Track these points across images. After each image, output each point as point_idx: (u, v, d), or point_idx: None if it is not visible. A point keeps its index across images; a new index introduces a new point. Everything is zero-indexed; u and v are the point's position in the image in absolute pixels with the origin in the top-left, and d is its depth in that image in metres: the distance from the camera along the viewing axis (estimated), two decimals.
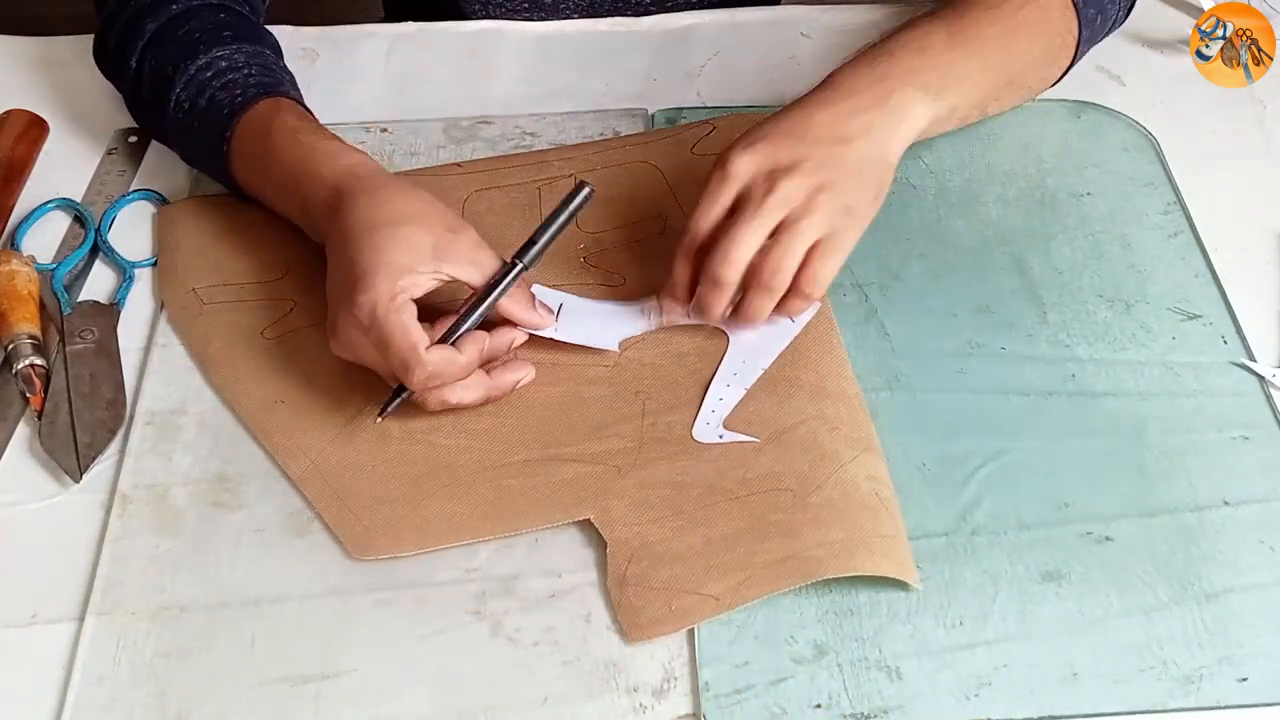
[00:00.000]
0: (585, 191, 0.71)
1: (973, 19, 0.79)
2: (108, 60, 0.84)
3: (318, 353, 0.72)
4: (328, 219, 0.71)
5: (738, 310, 0.71)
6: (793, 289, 0.70)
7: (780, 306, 0.71)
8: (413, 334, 0.65)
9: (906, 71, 0.75)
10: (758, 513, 0.64)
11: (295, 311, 0.75)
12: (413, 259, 0.67)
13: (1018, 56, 0.80)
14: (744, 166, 0.70)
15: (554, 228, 0.71)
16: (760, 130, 0.72)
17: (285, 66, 0.82)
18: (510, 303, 0.70)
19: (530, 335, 0.72)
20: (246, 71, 0.78)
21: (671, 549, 0.63)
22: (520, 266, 0.69)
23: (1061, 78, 0.86)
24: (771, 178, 0.69)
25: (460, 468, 0.67)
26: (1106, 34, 0.89)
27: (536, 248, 0.70)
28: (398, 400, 0.67)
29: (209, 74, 0.77)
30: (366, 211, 0.69)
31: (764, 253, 0.69)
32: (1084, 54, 0.86)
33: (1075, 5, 0.82)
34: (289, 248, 0.78)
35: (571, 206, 0.71)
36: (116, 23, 0.81)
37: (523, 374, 0.70)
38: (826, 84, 0.75)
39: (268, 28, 0.84)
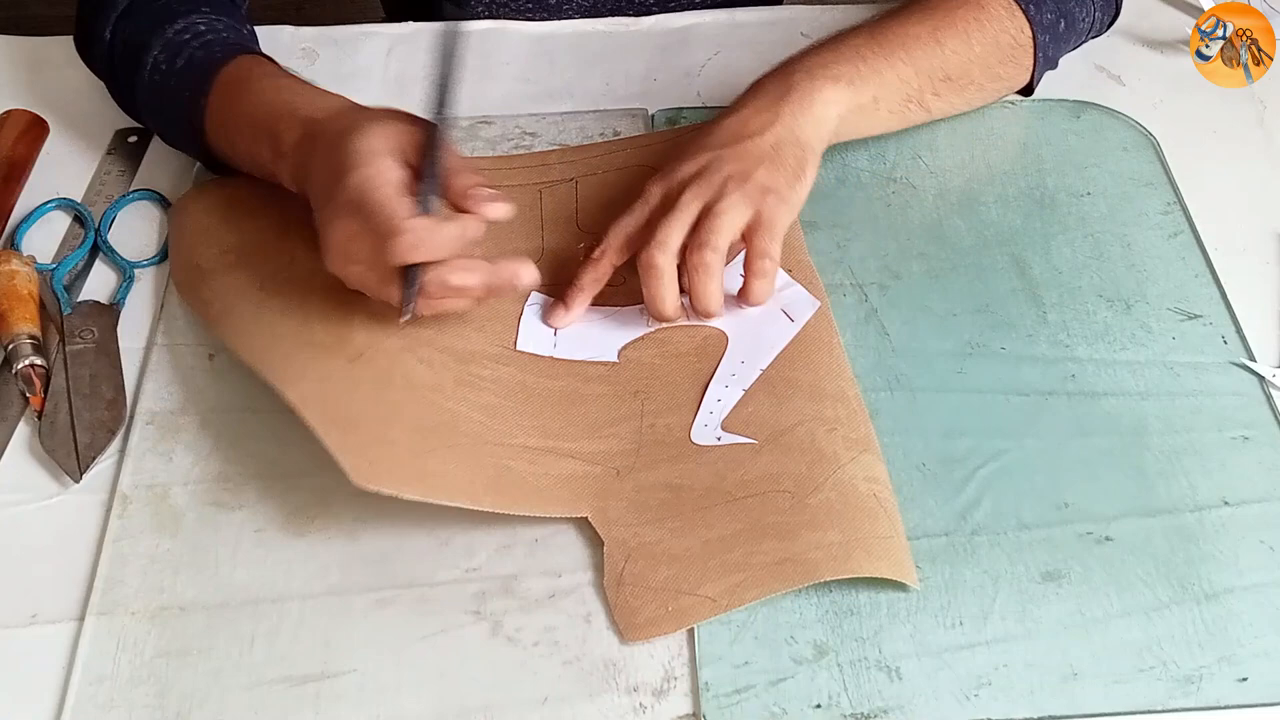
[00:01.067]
0: (445, 30, 0.68)
1: (899, 20, 0.81)
2: (84, 41, 0.84)
3: (319, 300, 0.71)
4: (304, 148, 0.70)
5: (693, 303, 0.72)
6: (747, 270, 0.72)
7: (743, 294, 0.73)
8: (396, 202, 0.65)
9: (815, 65, 0.78)
10: (755, 514, 0.64)
11: (296, 262, 0.74)
12: (393, 145, 0.67)
13: (952, 54, 0.81)
14: (656, 187, 0.74)
15: (446, 82, 0.68)
16: (673, 151, 0.77)
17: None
18: (460, 179, 0.68)
19: (529, 349, 0.72)
20: (225, 36, 0.78)
21: (669, 550, 0.63)
22: (440, 124, 0.68)
23: (1034, 78, 0.86)
24: (681, 185, 0.73)
25: (462, 434, 0.67)
26: (1088, 36, 0.89)
27: (445, 106, 0.68)
28: (412, 290, 0.66)
29: (187, 36, 0.77)
30: (341, 122, 0.69)
31: (692, 234, 0.71)
32: (1057, 55, 0.86)
33: (1021, 8, 0.82)
34: (289, 220, 0.76)
35: (449, 57, 0.68)
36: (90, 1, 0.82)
37: (524, 270, 0.68)
38: (742, 94, 0.79)
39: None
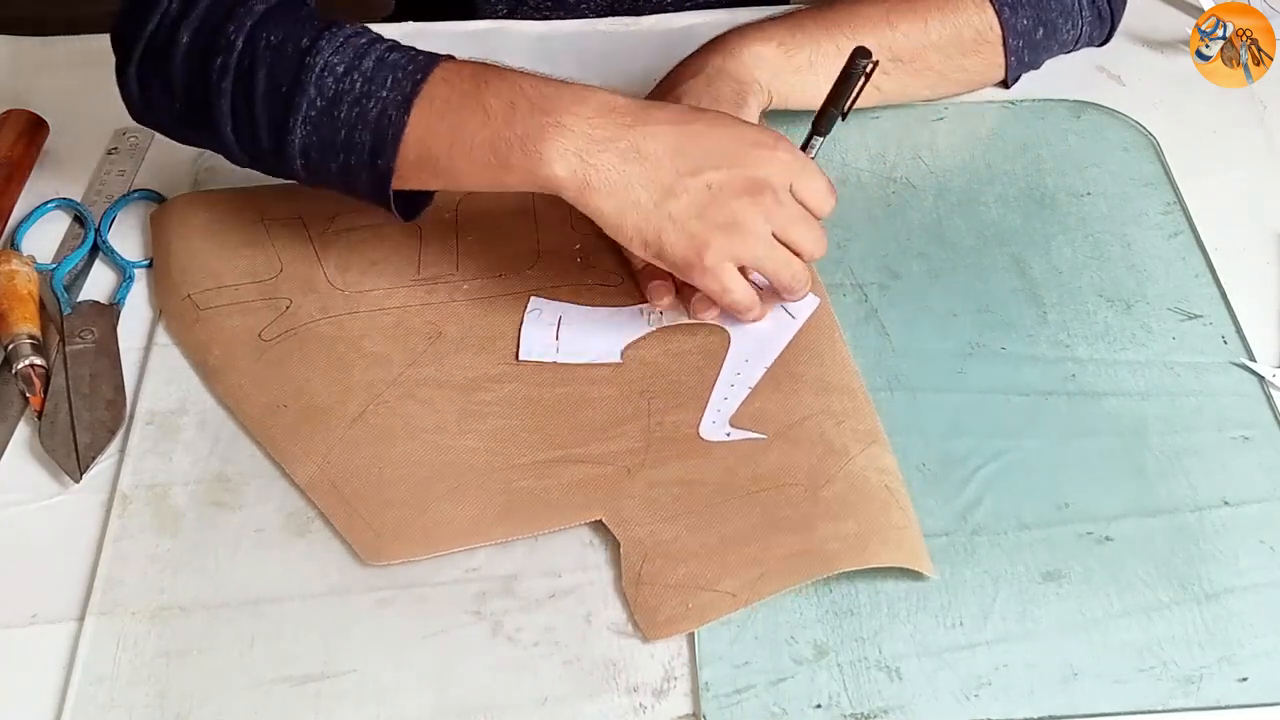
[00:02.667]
0: (863, 63, 0.70)
1: (854, 1, 0.83)
2: (183, 38, 0.69)
3: (318, 352, 0.72)
4: (632, 123, 0.65)
5: None
6: None
7: None
8: None
9: (750, 27, 0.81)
10: (770, 509, 0.65)
11: (292, 309, 0.75)
12: None
13: (904, 37, 0.82)
14: None
15: (842, 101, 0.72)
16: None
17: None
18: None
19: (532, 357, 0.72)
20: (409, 46, 0.69)
21: (685, 547, 0.63)
22: (864, 65, 0.70)
23: (1008, 76, 0.86)
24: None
25: (468, 469, 0.67)
26: (1075, 46, 0.89)
27: (828, 120, 0.72)
28: None
29: (364, 40, 0.68)
30: (677, 106, 0.69)
31: None
32: (1035, 60, 0.87)
33: (994, 8, 0.83)
34: (281, 246, 0.78)
35: (853, 79, 0.71)
36: (199, 8, 0.69)
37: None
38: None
39: None
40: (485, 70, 0.67)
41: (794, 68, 0.80)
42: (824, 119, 0.72)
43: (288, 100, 0.67)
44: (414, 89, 0.66)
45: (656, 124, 0.66)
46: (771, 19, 0.82)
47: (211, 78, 0.68)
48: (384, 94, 0.66)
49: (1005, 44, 0.84)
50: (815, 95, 0.79)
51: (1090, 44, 0.90)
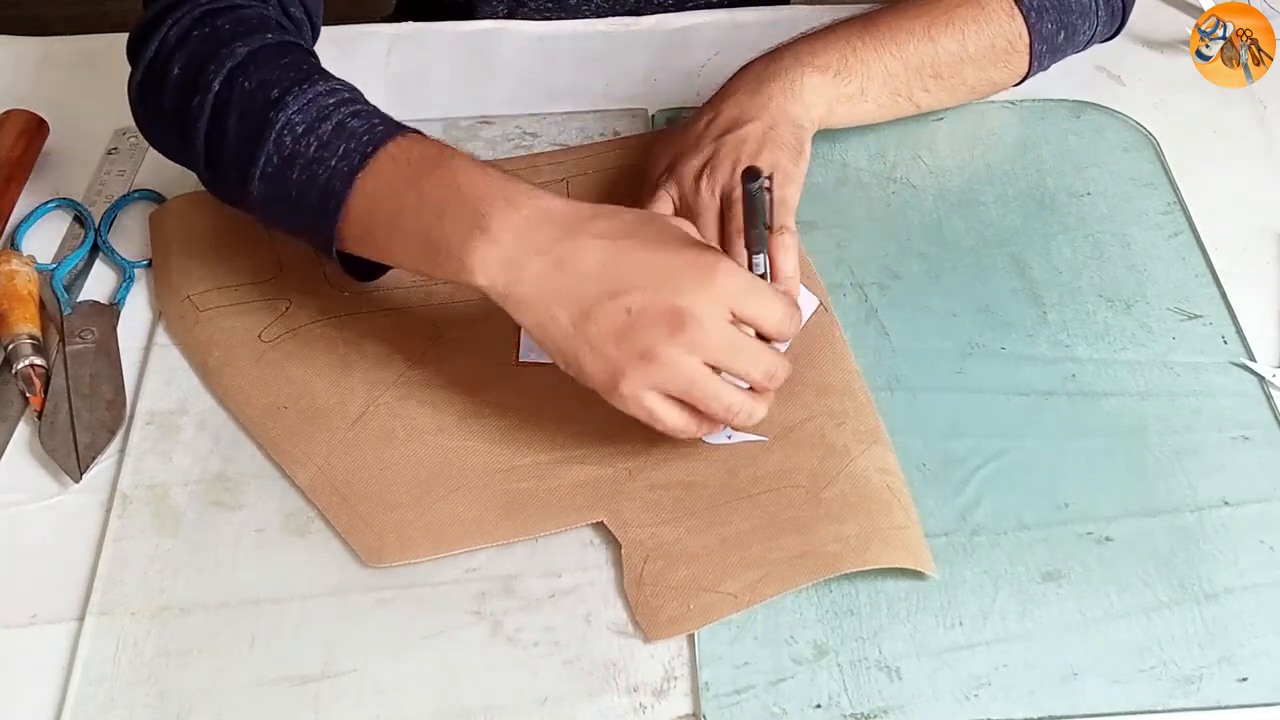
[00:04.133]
0: (753, 186, 0.63)
1: (895, 14, 0.82)
2: (174, 69, 0.71)
3: (318, 353, 0.72)
4: (562, 236, 0.62)
5: None
6: (770, 247, 0.68)
7: (774, 271, 0.69)
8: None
9: (804, 52, 0.80)
10: (771, 510, 0.65)
11: (292, 310, 0.75)
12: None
13: (944, 52, 0.82)
14: (669, 186, 0.75)
15: (759, 219, 0.65)
16: (670, 145, 0.79)
17: None
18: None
19: (530, 358, 0.72)
20: (376, 111, 0.68)
21: (687, 548, 0.64)
22: (762, 182, 0.63)
23: (1024, 80, 0.86)
24: (694, 179, 0.74)
25: (469, 470, 0.67)
26: (1086, 46, 0.89)
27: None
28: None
29: (331, 101, 0.67)
30: (622, 217, 0.63)
31: (726, 224, 0.73)
32: (1051, 63, 0.87)
33: (1023, 14, 0.83)
34: (281, 246, 0.78)
35: (756, 199, 0.64)
36: (191, 42, 0.71)
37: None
38: (731, 80, 0.80)
39: None
40: (432, 154, 0.65)
41: (846, 95, 0.80)
42: (752, 238, 0.65)
43: (250, 153, 0.67)
44: (360, 163, 0.65)
45: (589, 237, 0.62)
46: (822, 35, 0.81)
47: (191, 114, 0.69)
48: (333, 163, 0.65)
49: (1031, 50, 0.84)
50: (862, 119, 0.82)
51: (1098, 41, 0.90)
